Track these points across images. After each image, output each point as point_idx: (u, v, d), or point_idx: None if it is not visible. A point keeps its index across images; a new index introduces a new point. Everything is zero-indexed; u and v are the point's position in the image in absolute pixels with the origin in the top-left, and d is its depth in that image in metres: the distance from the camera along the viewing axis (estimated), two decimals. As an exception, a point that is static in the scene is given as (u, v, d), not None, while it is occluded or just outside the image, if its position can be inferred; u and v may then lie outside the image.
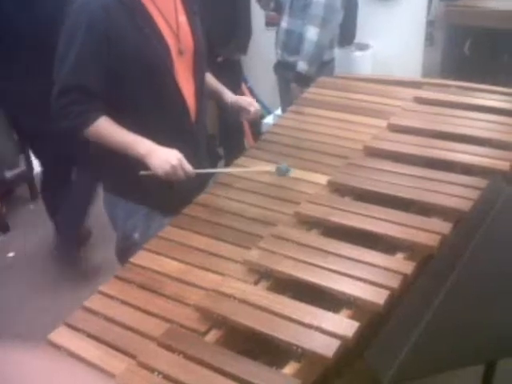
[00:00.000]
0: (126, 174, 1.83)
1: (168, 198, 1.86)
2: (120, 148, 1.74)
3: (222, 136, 4.19)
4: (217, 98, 2.12)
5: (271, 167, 1.94)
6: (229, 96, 2.07)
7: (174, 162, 1.69)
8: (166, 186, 1.79)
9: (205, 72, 1.98)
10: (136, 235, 1.95)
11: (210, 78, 2.10)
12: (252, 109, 2.01)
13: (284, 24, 3.24)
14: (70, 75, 1.72)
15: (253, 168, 2.01)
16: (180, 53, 1.84)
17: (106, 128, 1.74)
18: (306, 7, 3.06)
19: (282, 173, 1.91)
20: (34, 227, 3.78)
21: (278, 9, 3.43)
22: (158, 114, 1.82)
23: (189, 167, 1.73)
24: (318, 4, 3.00)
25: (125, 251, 1.93)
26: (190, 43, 1.87)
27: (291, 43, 3.21)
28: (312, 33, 3.04)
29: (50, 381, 0.48)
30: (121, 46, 1.71)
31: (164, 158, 1.70)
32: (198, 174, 1.78)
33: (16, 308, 3.05)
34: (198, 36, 1.91)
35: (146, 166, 1.73)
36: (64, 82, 1.73)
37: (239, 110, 2.05)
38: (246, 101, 2.06)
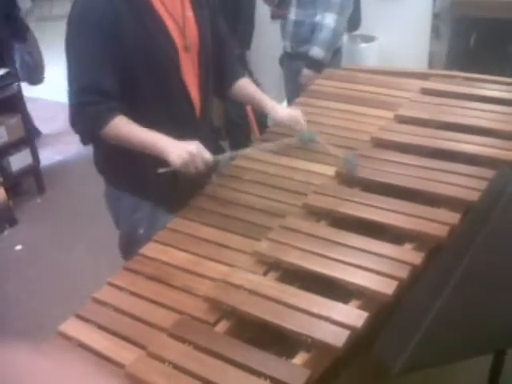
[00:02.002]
0: (132, 169, 1.83)
1: (172, 194, 1.86)
2: (138, 146, 1.72)
3: (227, 129, 4.18)
4: (261, 109, 2.07)
5: (294, 138, 1.97)
6: (276, 112, 2.00)
7: (192, 149, 1.67)
8: (171, 181, 1.79)
9: (210, 67, 1.95)
10: (141, 231, 1.93)
11: (253, 89, 2.06)
12: (298, 127, 1.97)
13: (292, 16, 3.23)
14: (83, 76, 1.71)
15: (274, 142, 2.00)
16: (186, 49, 1.82)
17: (123, 127, 1.71)
18: None
19: (305, 140, 1.95)
20: (41, 220, 3.80)
21: (282, 4, 3.42)
22: (163, 110, 1.81)
23: (207, 154, 1.71)
24: None
25: (129, 246, 1.92)
26: (195, 39, 1.85)
27: (301, 34, 3.21)
28: (330, 19, 3.06)
29: (52, 380, 0.48)
30: (127, 44, 1.69)
31: (182, 147, 1.68)
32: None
33: (24, 301, 3.07)
34: (205, 31, 1.89)
35: (153, 163, 1.71)
36: (78, 84, 1.71)
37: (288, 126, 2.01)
38: (294, 121, 1.97)
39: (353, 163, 1.84)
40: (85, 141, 1.82)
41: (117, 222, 2.05)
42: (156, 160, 1.70)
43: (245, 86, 2.05)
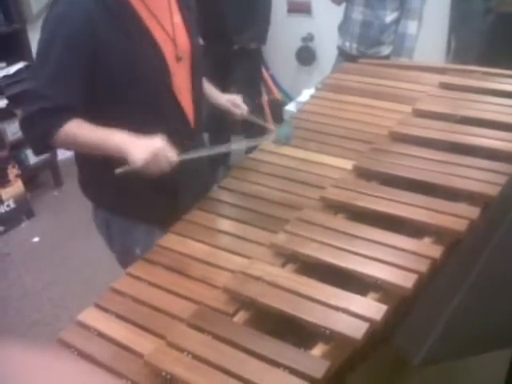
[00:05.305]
0: (125, 190, 1.70)
1: (169, 212, 1.75)
2: (93, 147, 1.57)
3: (241, 122, 4.17)
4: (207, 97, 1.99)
5: (269, 136, 1.81)
6: (218, 98, 1.97)
7: (156, 147, 1.52)
8: (171, 204, 1.74)
9: (202, 75, 1.86)
10: (137, 250, 1.80)
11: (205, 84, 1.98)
12: (238, 111, 1.94)
13: (358, 16, 3.13)
14: (45, 86, 1.58)
15: (245, 142, 1.87)
16: (178, 59, 1.71)
17: (76, 129, 1.56)
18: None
19: (282, 138, 1.77)
20: (58, 213, 3.84)
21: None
22: (156, 125, 1.66)
23: (172, 153, 1.55)
24: None
25: (127, 264, 1.80)
26: (187, 47, 1.75)
27: (371, 35, 3.12)
28: (413, 28, 3.05)
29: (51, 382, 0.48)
30: (108, 59, 1.58)
31: (143, 144, 1.52)
32: (199, 186, 1.71)
33: (41, 292, 3.10)
34: (195, 37, 1.79)
35: (149, 183, 1.59)
36: (39, 92, 1.59)
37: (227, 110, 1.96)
38: (234, 103, 1.94)
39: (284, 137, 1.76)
40: (37, 149, 1.70)
41: (109, 244, 1.94)
42: (151, 181, 1.57)
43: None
